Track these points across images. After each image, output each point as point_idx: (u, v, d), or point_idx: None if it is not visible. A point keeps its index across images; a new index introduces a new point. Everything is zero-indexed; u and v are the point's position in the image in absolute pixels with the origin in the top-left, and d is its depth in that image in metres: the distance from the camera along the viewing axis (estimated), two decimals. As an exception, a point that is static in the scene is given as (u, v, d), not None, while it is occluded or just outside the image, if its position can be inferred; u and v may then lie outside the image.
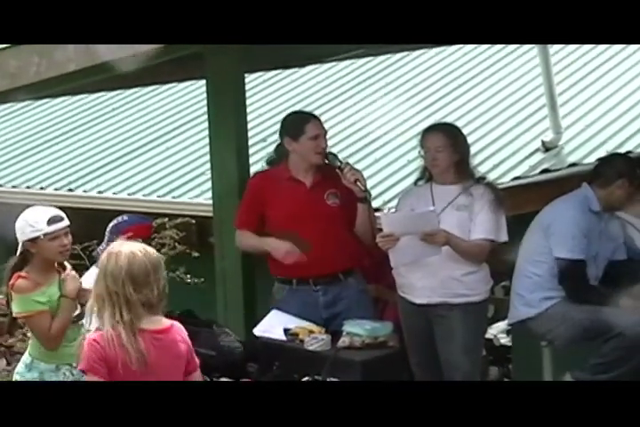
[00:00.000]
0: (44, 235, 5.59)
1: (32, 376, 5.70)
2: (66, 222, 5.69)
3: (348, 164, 6.39)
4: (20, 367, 5.81)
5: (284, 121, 6.56)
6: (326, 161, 6.37)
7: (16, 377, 5.82)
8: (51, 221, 5.62)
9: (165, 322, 4.62)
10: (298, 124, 6.42)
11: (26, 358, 5.79)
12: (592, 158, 7.22)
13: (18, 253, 5.71)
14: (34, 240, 5.59)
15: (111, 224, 6.54)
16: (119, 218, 6.63)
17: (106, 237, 6.50)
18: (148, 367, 4.48)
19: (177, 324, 4.67)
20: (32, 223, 5.62)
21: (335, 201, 6.37)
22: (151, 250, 4.63)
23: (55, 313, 5.63)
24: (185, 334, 4.67)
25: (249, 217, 6.32)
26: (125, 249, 4.51)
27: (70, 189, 10.86)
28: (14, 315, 5.69)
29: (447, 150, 6.30)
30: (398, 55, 11.48)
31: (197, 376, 4.77)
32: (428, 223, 6.08)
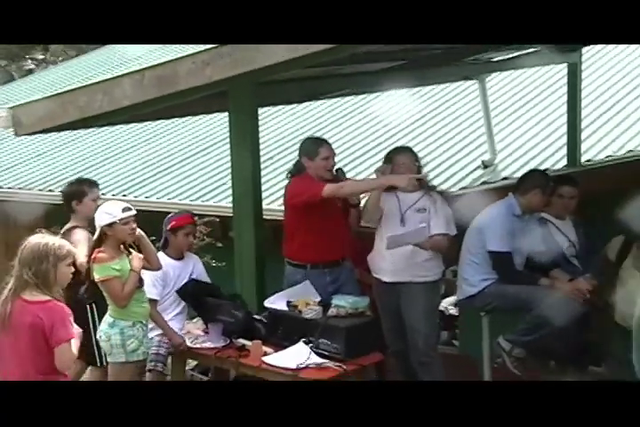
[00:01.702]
0: (120, 220, 5.67)
1: (114, 332, 5.70)
2: (134, 211, 5.77)
3: (348, 179, 6.41)
4: (103, 326, 5.78)
5: (303, 143, 6.53)
6: (335, 174, 6.37)
7: (100, 334, 5.79)
8: (124, 210, 5.71)
9: (43, 299, 4.70)
10: (313, 147, 6.39)
11: (108, 318, 5.76)
12: (519, 173, 7.20)
13: (96, 236, 5.76)
14: (111, 225, 5.66)
15: (165, 220, 6.58)
16: (168, 215, 6.67)
17: (163, 232, 6.57)
18: (8, 328, 4.68)
19: (53, 304, 4.71)
20: (109, 212, 5.71)
21: (339, 205, 6.39)
22: (46, 244, 4.77)
23: (124, 281, 5.67)
24: (54, 314, 4.68)
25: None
26: (30, 241, 4.77)
27: (124, 195, 10.85)
28: (96, 280, 5.67)
29: (409, 166, 6.31)
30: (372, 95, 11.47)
31: (62, 350, 4.72)
32: (421, 236, 6.15)
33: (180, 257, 6.52)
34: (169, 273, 6.40)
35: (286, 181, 6.54)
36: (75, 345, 4.78)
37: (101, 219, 5.74)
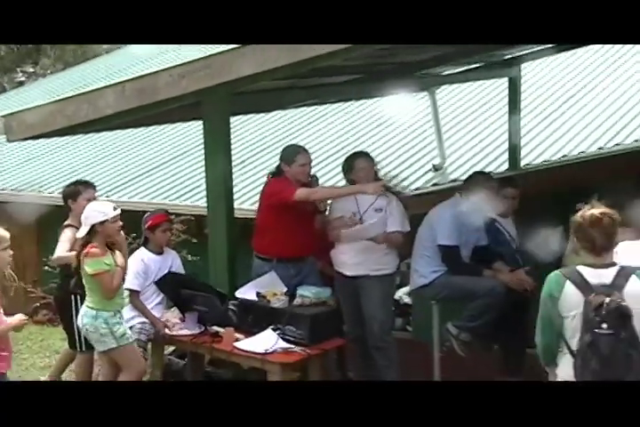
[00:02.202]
0: (111, 218, 5.65)
1: (99, 322, 5.66)
2: (119, 211, 5.75)
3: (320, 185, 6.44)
4: (86, 320, 5.71)
5: (284, 150, 6.50)
6: (310, 180, 6.38)
7: (85, 327, 5.72)
8: (114, 209, 5.70)
9: None
10: (292, 154, 6.38)
11: (89, 311, 5.70)
12: (464, 176, 7.24)
13: (85, 232, 5.68)
14: (102, 222, 5.62)
15: (143, 219, 6.58)
16: (145, 215, 6.66)
17: (142, 229, 6.58)
18: None
19: None
20: (102, 211, 5.68)
21: (310, 208, 6.38)
22: None
23: (112, 275, 5.65)
24: None
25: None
26: None
27: (107, 196, 10.79)
28: (89, 273, 5.61)
29: (367, 170, 6.33)
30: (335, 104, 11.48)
31: None
32: (375, 231, 6.17)
33: (159, 252, 6.53)
34: (150, 267, 6.41)
35: (258, 183, 6.55)
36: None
37: (95, 217, 5.68)
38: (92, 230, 5.67)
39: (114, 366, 5.87)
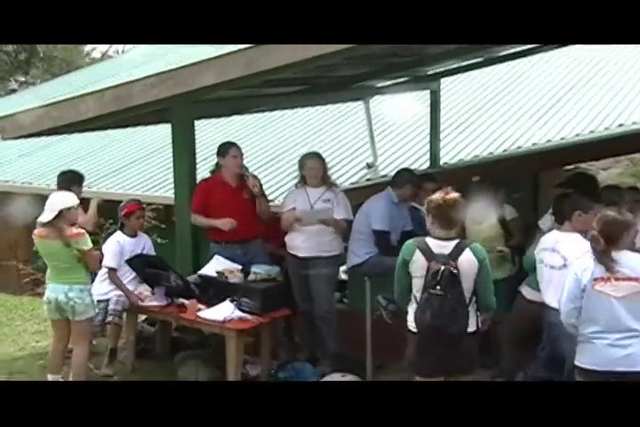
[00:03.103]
0: (76, 206, 5.58)
1: (85, 295, 5.59)
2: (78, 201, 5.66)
3: (252, 175, 6.34)
4: (74, 294, 5.55)
5: (219, 146, 6.44)
6: (244, 172, 6.31)
7: (75, 300, 5.55)
8: (76, 199, 5.62)
9: None
10: (225, 148, 6.35)
11: (75, 287, 5.56)
12: (393, 173, 7.24)
13: (52, 217, 5.50)
14: (69, 209, 5.50)
15: (119, 207, 6.53)
16: (121, 204, 6.57)
17: (119, 215, 6.53)
18: None
19: None
20: (68, 199, 5.59)
21: (247, 196, 6.29)
22: None
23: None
24: None
25: (199, 206, 6.19)
26: None
27: (89, 187, 10.62)
28: (84, 249, 5.49)
29: (318, 167, 6.30)
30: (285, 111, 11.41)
31: None
32: (326, 214, 6.19)
33: (133, 235, 6.47)
34: (125, 247, 6.38)
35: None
36: None
37: (63, 203, 5.54)
38: (60, 215, 5.53)
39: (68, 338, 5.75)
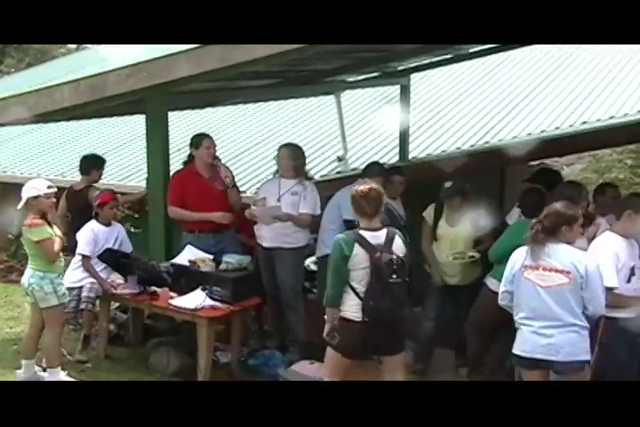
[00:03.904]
0: (44, 194, 5.45)
1: (45, 282, 5.50)
2: (55, 189, 5.55)
3: (224, 165, 6.34)
4: (33, 280, 5.50)
5: (192, 138, 6.44)
6: (216, 163, 6.31)
7: (32, 287, 5.51)
8: (48, 187, 5.48)
9: None
10: (198, 139, 6.35)
11: (36, 273, 5.51)
12: (363, 166, 7.27)
13: (21, 205, 5.47)
14: (36, 197, 5.44)
15: (93, 197, 6.52)
16: (95, 194, 6.55)
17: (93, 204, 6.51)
18: None
19: None
20: (36, 187, 5.48)
21: (220, 187, 6.29)
22: None
23: (53, 242, 5.47)
24: None
25: (175, 199, 6.17)
26: None
27: (64, 176, 10.56)
28: (35, 240, 5.43)
29: (290, 159, 6.30)
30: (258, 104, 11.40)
31: None
32: (277, 211, 6.15)
33: (107, 224, 6.45)
34: (99, 236, 6.35)
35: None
36: None
37: (29, 192, 5.50)
38: (27, 204, 5.50)
39: (42, 324, 5.69)
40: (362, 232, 4.60)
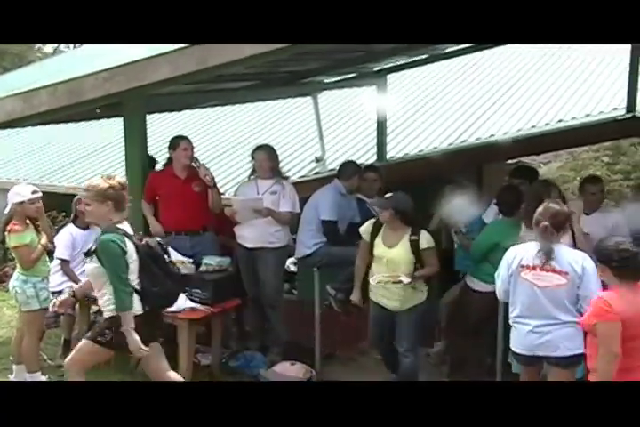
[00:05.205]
0: (28, 200, 5.46)
1: (28, 286, 5.50)
2: (40, 194, 5.55)
3: (203, 165, 6.33)
4: (16, 283, 5.53)
5: (170, 140, 6.43)
6: (193, 164, 6.30)
7: (16, 290, 5.53)
8: (32, 193, 5.50)
9: None
10: (176, 141, 6.34)
11: (20, 276, 5.54)
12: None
13: (7, 211, 5.51)
14: (21, 203, 5.43)
15: (74, 200, 6.48)
16: (77, 196, 6.54)
17: (73, 208, 6.46)
18: None
19: None
20: (20, 193, 5.49)
21: (197, 189, 6.28)
22: None
23: (33, 249, 5.47)
24: None
25: (147, 196, 6.17)
26: None
27: (42, 180, 10.51)
28: (11, 246, 5.46)
29: (267, 160, 6.31)
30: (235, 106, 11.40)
31: None
32: (258, 204, 6.14)
33: (85, 227, 6.41)
34: (77, 239, 6.34)
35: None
36: None
37: (13, 198, 5.50)
38: (12, 209, 5.49)
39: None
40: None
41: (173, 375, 4.70)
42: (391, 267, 5.42)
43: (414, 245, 5.37)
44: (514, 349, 4.60)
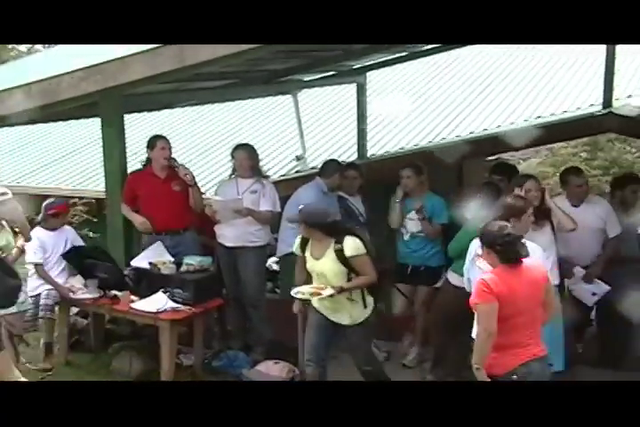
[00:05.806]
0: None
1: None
2: (9, 196, 5.44)
3: (182, 165, 6.28)
4: None
5: (148, 140, 6.37)
6: (171, 164, 6.25)
7: None
8: (1, 194, 5.38)
9: None
10: (153, 140, 6.29)
11: None
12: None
13: None
14: None
15: (44, 204, 6.36)
16: (48, 200, 6.45)
17: (42, 212, 6.33)
18: None
19: None
20: None
21: (177, 188, 6.23)
22: None
23: (8, 251, 5.43)
24: None
25: (128, 197, 6.12)
26: None
27: (18, 182, 10.43)
28: None
29: (247, 159, 6.27)
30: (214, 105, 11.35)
31: None
32: (237, 204, 6.10)
33: (53, 228, 6.33)
34: (46, 242, 6.25)
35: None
36: None
37: None
38: None
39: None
40: None
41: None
42: (321, 280, 5.04)
43: (340, 255, 4.95)
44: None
